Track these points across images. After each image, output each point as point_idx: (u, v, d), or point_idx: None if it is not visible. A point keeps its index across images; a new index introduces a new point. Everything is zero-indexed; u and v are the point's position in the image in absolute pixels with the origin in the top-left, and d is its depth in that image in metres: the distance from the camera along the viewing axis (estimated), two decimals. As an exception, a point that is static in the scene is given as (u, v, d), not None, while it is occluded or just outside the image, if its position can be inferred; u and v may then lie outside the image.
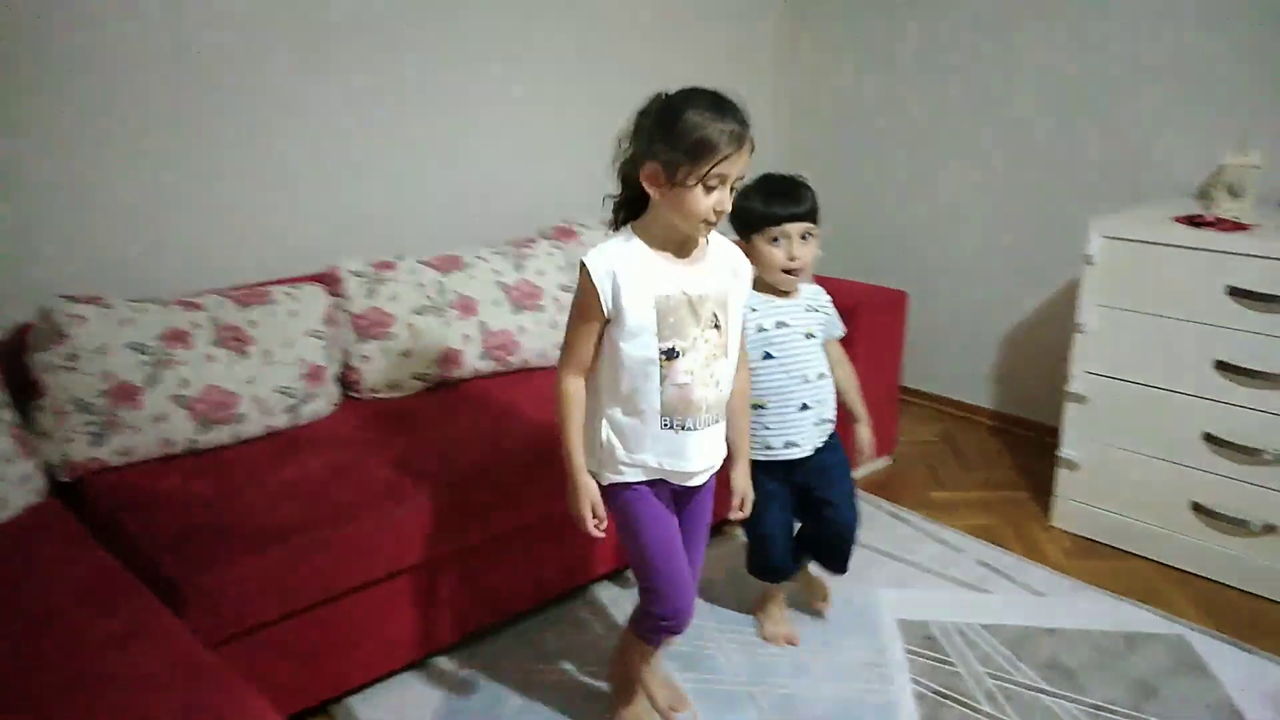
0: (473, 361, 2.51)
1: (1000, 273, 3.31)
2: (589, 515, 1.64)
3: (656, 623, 1.76)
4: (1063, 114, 3.03)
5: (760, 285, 1.92)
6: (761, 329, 1.95)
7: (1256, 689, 2.03)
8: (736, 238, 1.90)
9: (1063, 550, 2.61)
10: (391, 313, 2.43)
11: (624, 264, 1.54)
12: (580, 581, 2.36)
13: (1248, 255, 2.24)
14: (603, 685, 2.06)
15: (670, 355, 1.57)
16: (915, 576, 2.46)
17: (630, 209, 1.60)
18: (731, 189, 1.52)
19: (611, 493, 1.69)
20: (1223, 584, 2.43)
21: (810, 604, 2.31)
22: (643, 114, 1.53)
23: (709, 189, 1.49)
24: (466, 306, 2.51)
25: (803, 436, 1.99)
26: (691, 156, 1.46)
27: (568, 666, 2.13)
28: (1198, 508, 2.43)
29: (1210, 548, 2.43)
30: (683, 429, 1.62)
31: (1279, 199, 2.58)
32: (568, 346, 1.64)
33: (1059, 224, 3.09)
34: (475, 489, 2.07)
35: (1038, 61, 3.05)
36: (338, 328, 2.40)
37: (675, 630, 1.78)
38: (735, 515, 1.85)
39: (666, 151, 1.47)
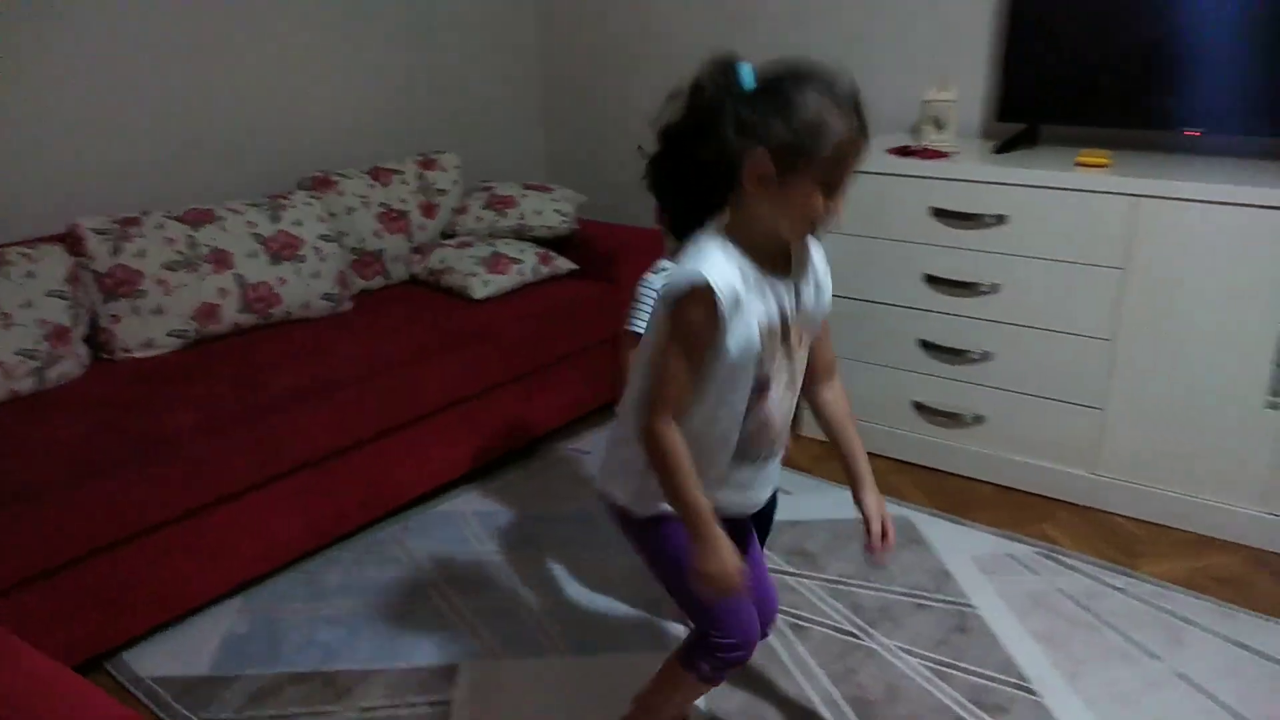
0: (232, 315, 2.48)
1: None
2: (736, 566, 1.33)
3: (724, 655, 1.48)
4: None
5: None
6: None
7: (964, 553, 2.35)
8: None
9: (811, 456, 2.87)
10: (139, 269, 2.37)
11: (741, 283, 1.25)
12: (359, 522, 2.41)
13: (945, 179, 2.55)
14: (385, 615, 2.13)
15: (762, 387, 1.33)
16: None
17: (698, 210, 1.30)
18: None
19: (651, 524, 1.44)
20: (940, 470, 2.77)
21: None
22: (732, 92, 1.22)
23: (829, 189, 1.23)
24: (221, 260, 2.47)
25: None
26: (815, 147, 1.19)
27: (348, 601, 2.19)
28: (918, 406, 2.76)
29: (930, 440, 2.76)
30: (756, 460, 1.41)
31: (980, 129, 2.92)
32: (662, 383, 1.29)
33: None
34: (238, 437, 2.08)
35: (749, 8, 3.28)
36: (82, 287, 2.31)
37: (744, 659, 1.50)
38: (878, 548, 1.48)
39: (781, 138, 1.19)
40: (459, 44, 3.50)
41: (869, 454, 1.55)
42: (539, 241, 3.04)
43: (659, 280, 1.69)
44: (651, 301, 1.65)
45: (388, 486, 2.43)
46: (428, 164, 3.08)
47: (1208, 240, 2.24)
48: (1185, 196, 2.25)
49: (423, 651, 2.03)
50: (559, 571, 2.29)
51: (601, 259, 3.01)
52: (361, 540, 2.43)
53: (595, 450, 2.89)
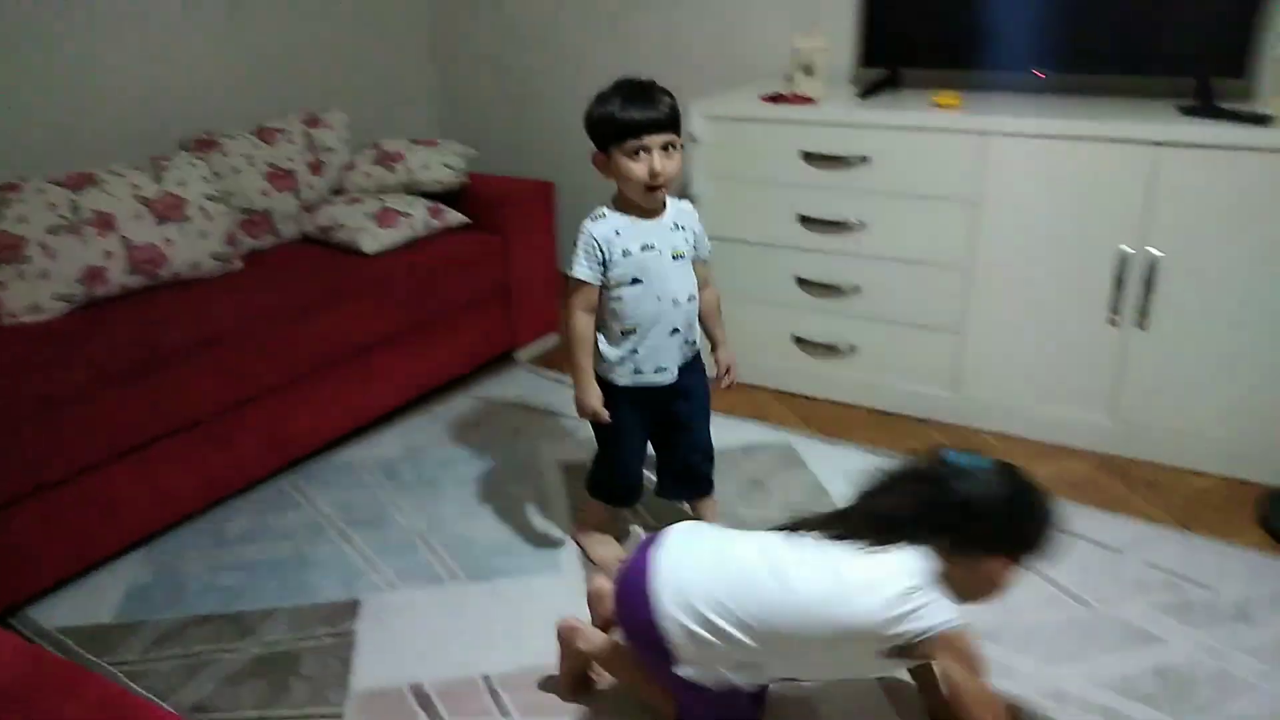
0: (119, 278, 2.50)
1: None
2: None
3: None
4: (661, 9, 3.38)
5: (624, 204, 1.91)
6: (627, 253, 1.89)
7: (839, 471, 2.52)
8: (595, 150, 1.90)
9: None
10: (21, 235, 2.36)
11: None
12: (258, 474, 2.47)
13: (813, 124, 2.69)
14: (286, 558, 2.21)
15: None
16: (575, 426, 2.78)
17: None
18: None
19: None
20: (821, 399, 2.95)
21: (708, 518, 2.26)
22: None
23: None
24: (105, 223, 2.48)
25: (671, 360, 1.98)
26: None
27: (250, 547, 2.26)
28: (798, 340, 2.92)
29: (810, 371, 2.93)
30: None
31: (849, 75, 3.07)
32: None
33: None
34: (130, 394, 2.12)
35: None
36: (-40, 254, 2.31)
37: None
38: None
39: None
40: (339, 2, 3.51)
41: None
42: (429, 196, 3.10)
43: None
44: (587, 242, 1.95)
45: (286, 439, 2.50)
46: (313, 122, 3.11)
47: (1050, 172, 2.43)
48: (1028, 133, 2.43)
49: (325, 589, 2.11)
50: (457, 509, 2.40)
51: (491, 211, 3.09)
52: (262, 491, 2.49)
53: (493, 398, 2.98)
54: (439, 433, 2.77)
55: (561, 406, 2.91)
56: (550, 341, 3.41)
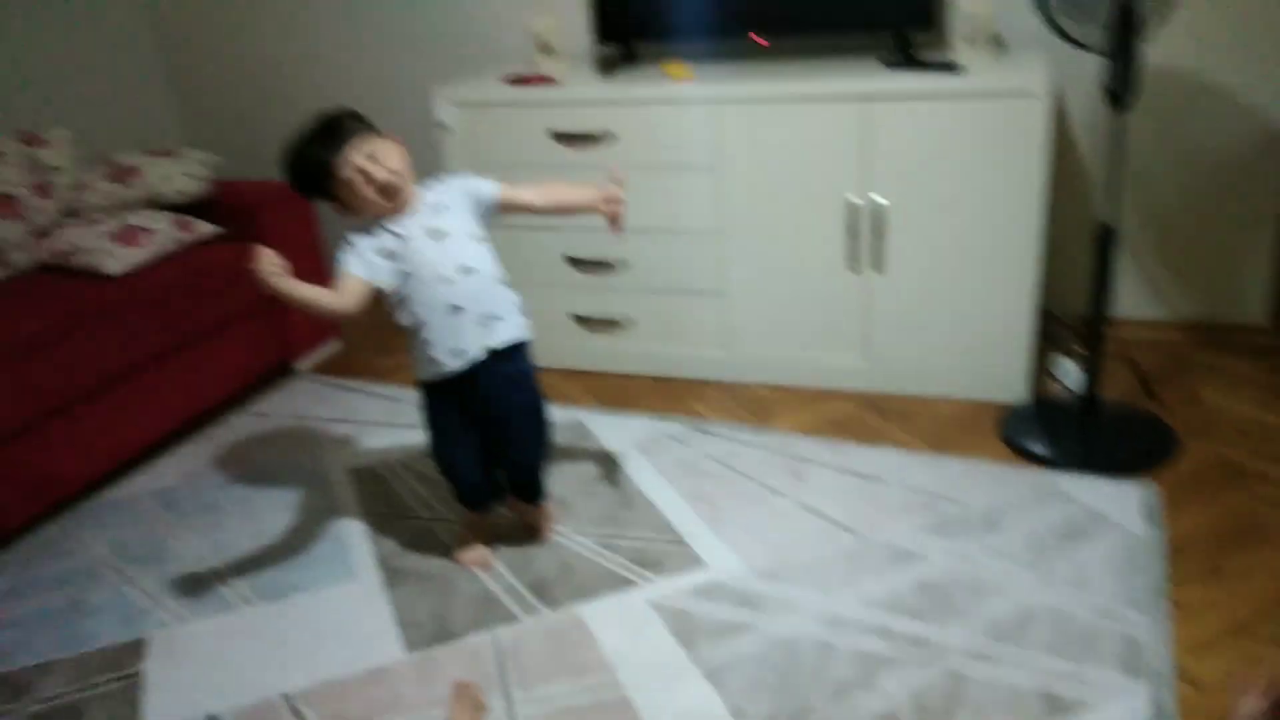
0: None
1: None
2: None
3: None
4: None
5: (373, 223, 1.88)
6: (390, 256, 1.87)
7: (627, 440, 2.62)
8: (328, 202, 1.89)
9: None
10: None
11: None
12: (21, 520, 2.31)
13: (557, 104, 2.74)
14: (61, 608, 2.08)
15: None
16: (362, 431, 2.74)
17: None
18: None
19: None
20: (605, 373, 3.03)
21: (534, 529, 2.25)
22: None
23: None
24: None
25: (466, 342, 1.90)
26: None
27: (18, 603, 2.11)
28: (577, 318, 2.99)
29: (591, 347, 3.01)
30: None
31: (589, 52, 3.13)
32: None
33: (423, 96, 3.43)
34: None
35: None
36: None
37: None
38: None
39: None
40: (48, 12, 3.25)
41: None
42: (174, 208, 2.94)
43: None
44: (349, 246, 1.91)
45: (46, 481, 2.34)
46: (33, 140, 2.88)
47: (777, 133, 2.59)
48: (752, 97, 2.58)
49: (106, 633, 2.01)
50: (243, 531, 2.32)
51: (247, 217, 2.97)
52: (27, 541, 2.33)
53: (273, 412, 2.89)
54: (218, 455, 2.67)
55: (348, 413, 2.86)
56: (331, 348, 3.33)
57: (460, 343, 1.91)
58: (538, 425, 2.09)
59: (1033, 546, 2.13)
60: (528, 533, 2.23)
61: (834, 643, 1.88)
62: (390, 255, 1.87)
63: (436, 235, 1.89)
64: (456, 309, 1.89)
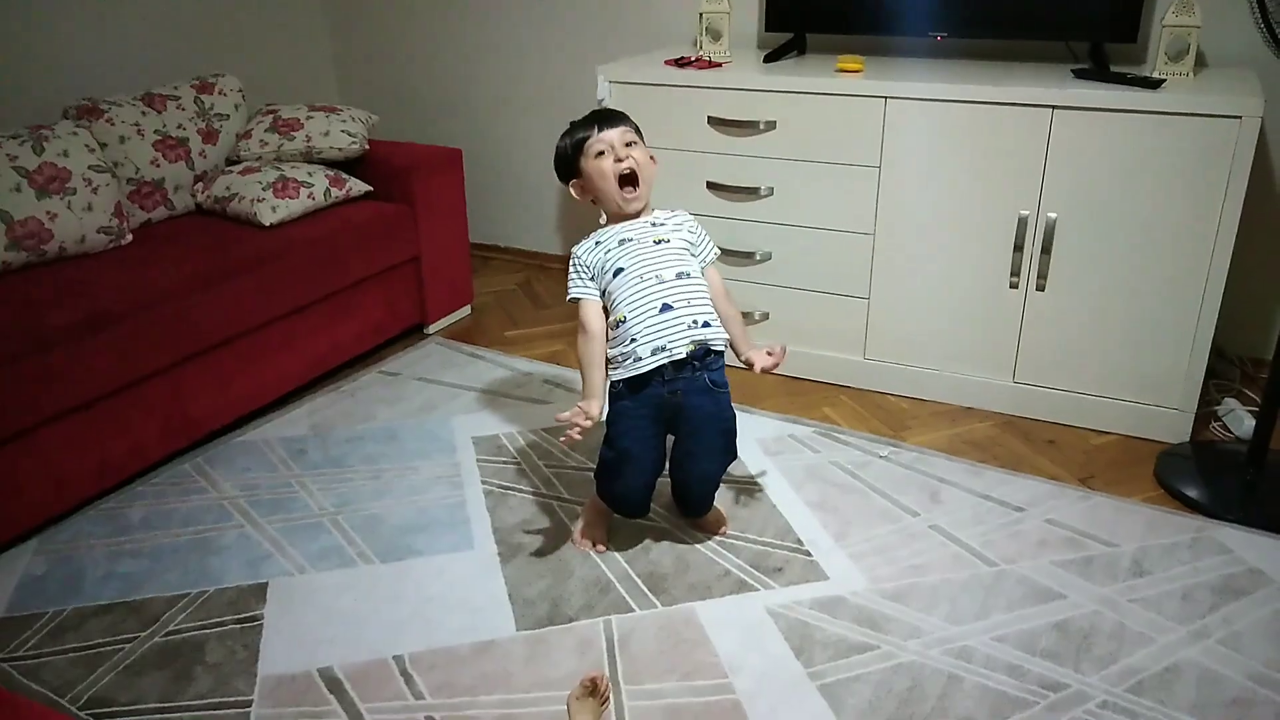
0: (-1, 253, 2.37)
1: (544, 127, 3.59)
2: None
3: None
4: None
5: (609, 220, 2.01)
6: (608, 250, 1.95)
7: (751, 438, 2.54)
8: (573, 181, 2.02)
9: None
10: (-113, 210, 2.22)
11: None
12: (158, 456, 2.38)
13: (719, 89, 2.67)
14: (190, 543, 2.14)
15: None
16: (488, 401, 2.74)
17: None
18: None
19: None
20: (732, 367, 2.95)
21: (705, 530, 2.19)
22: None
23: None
24: (-20, 196, 2.34)
25: (671, 340, 1.88)
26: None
27: (151, 534, 2.18)
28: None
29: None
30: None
31: (756, 39, 3.05)
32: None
33: (585, 74, 3.42)
34: (16, 375, 2.02)
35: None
36: None
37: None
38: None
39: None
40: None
41: None
42: (329, 164, 3.00)
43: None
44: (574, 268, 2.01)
45: (186, 419, 2.41)
46: (205, 88, 2.97)
47: (949, 136, 2.47)
48: (927, 96, 2.46)
49: (230, 573, 2.05)
50: (366, 488, 2.35)
51: (397, 179, 3.01)
52: (163, 475, 2.40)
53: (403, 371, 2.92)
54: (347, 409, 2.71)
55: (475, 381, 2.87)
56: (463, 315, 3.35)
57: (664, 340, 1.89)
58: (726, 439, 2.04)
59: (1184, 598, 1.97)
60: (699, 532, 2.18)
61: (960, 675, 1.78)
62: (606, 251, 1.95)
63: (659, 240, 1.96)
64: (668, 308, 1.89)
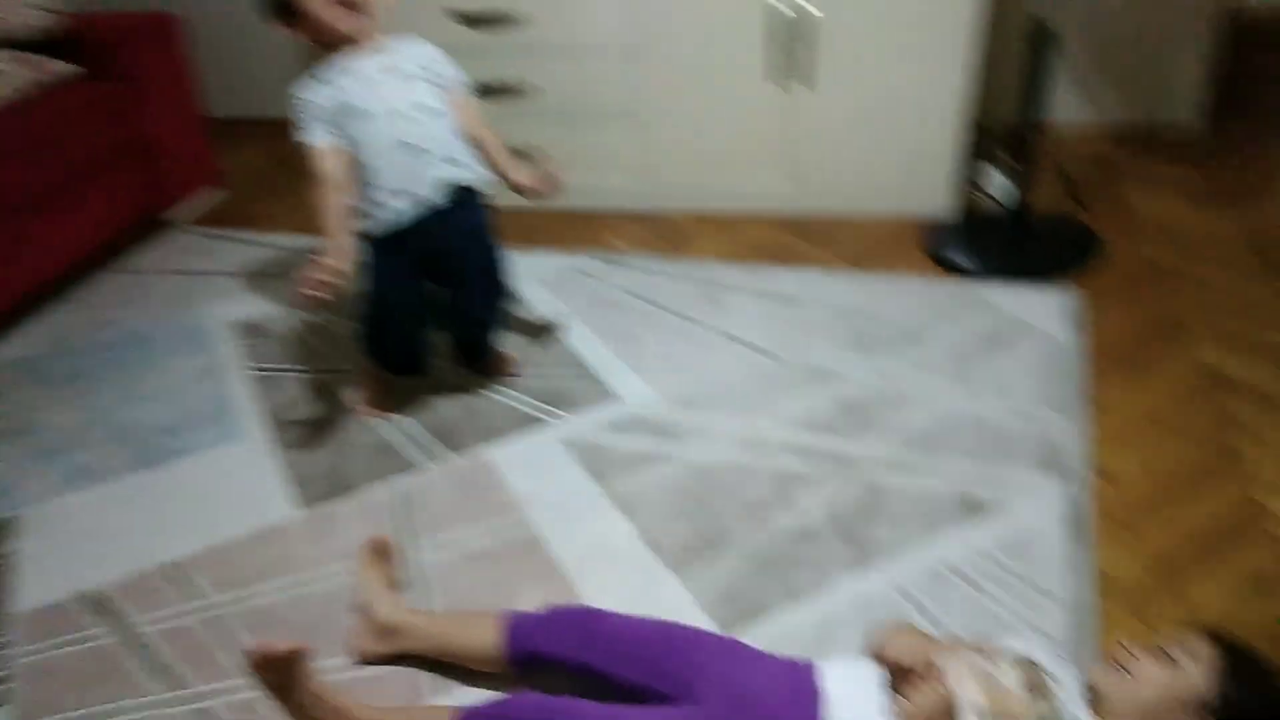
0: None
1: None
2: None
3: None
4: None
5: (330, 56, 1.76)
6: (337, 88, 1.73)
7: (533, 278, 2.45)
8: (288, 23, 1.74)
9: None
10: None
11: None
12: None
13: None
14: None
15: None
16: (247, 284, 2.54)
17: None
18: None
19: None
20: (506, 208, 2.83)
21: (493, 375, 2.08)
22: None
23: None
24: None
25: (411, 183, 1.74)
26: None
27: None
28: (476, 150, 2.77)
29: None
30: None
31: None
32: None
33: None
34: None
35: None
36: None
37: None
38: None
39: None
40: None
41: None
42: (22, 46, 2.61)
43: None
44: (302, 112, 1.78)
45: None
46: None
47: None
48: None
49: (-30, 514, 1.85)
50: (119, 396, 2.14)
51: (107, 56, 2.66)
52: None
53: (146, 268, 2.66)
54: (87, 316, 2.45)
55: (230, 265, 2.65)
56: (209, 197, 3.07)
57: (413, 185, 1.75)
58: (497, 281, 1.95)
59: (954, 357, 2.06)
60: (486, 378, 2.08)
61: (751, 465, 1.81)
62: (333, 91, 1.73)
63: (396, 73, 1.76)
64: (411, 148, 1.74)
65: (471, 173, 1.83)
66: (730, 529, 1.67)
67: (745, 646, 1.32)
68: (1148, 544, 1.57)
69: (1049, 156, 2.67)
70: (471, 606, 1.54)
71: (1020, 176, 2.43)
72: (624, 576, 1.60)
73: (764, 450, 1.84)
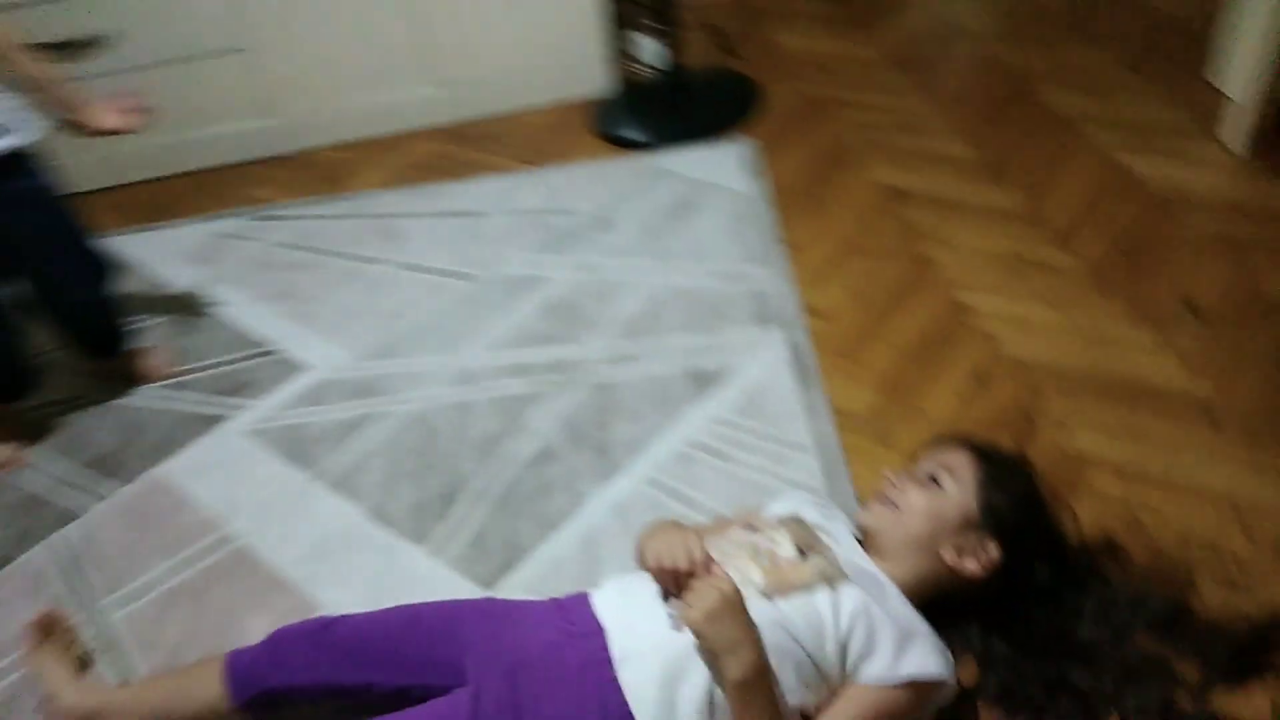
0: None
1: None
2: None
3: None
4: None
5: None
6: None
7: (174, 255, 2.11)
8: None
9: None
10: None
11: None
12: None
13: None
14: None
15: None
16: None
17: None
18: None
19: None
20: (131, 184, 2.41)
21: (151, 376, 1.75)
22: None
23: None
24: None
25: None
26: None
27: None
28: (72, 123, 2.31)
29: (106, 155, 2.33)
30: None
31: None
32: None
33: None
34: None
35: None
36: None
37: None
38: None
39: None
40: None
41: None
42: None
43: None
44: None
45: None
46: None
47: None
48: None
49: None
50: None
51: None
52: None
53: None
54: None
55: None
56: None
57: None
58: (80, 252, 1.62)
59: (649, 234, 1.98)
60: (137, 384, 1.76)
61: (470, 400, 1.65)
62: None
63: None
64: None
65: (14, 136, 1.46)
66: (464, 476, 1.51)
67: (508, 604, 1.18)
68: (872, 369, 1.58)
69: (692, 12, 2.62)
70: (188, 658, 1.29)
71: (669, 38, 2.36)
72: (360, 565, 1.40)
73: (480, 381, 1.68)
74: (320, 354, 1.79)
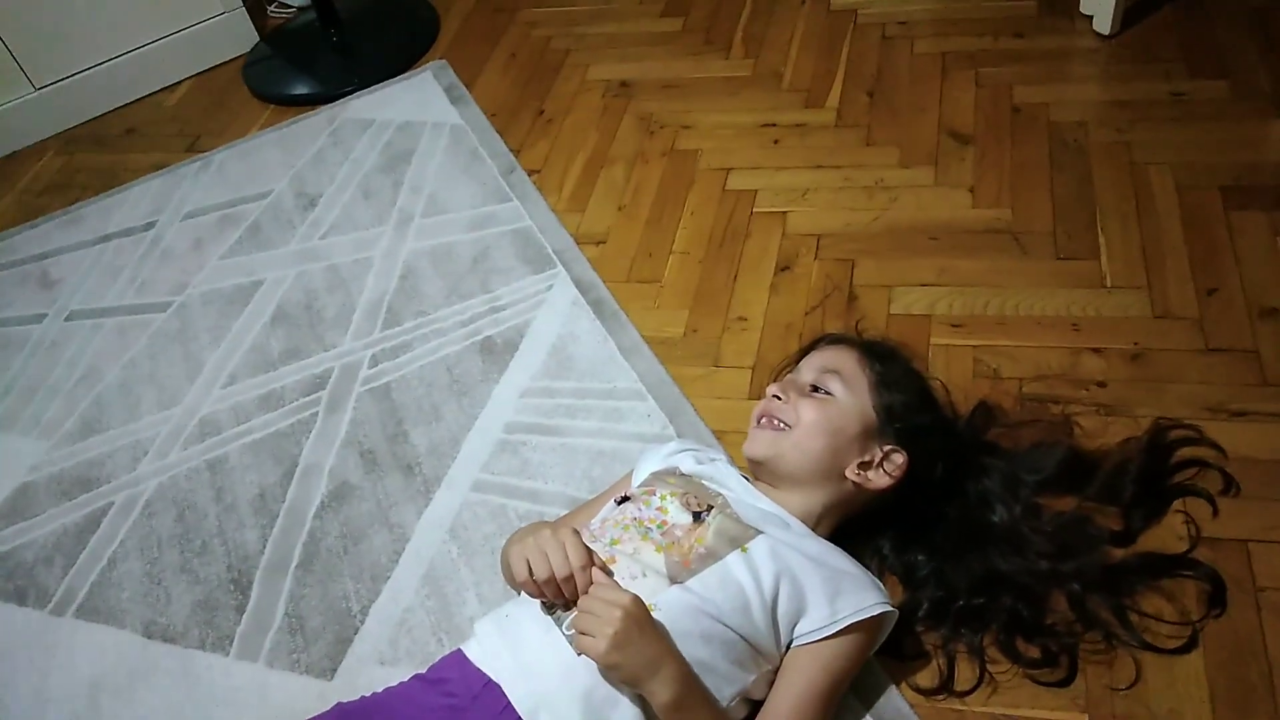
0: None
1: None
2: None
3: None
4: None
5: None
6: None
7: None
8: None
9: None
10: None
11: None
12: None
13: None
14: None
15: None
16: None
17: None
18: None
19: None
20: None
21: None
22: None
23: None
24: None
25: None
26: None
27: None
28: None
29: None
30: None
31: None
32: None
33: None
34: None
35: None
36: None
37: None
38: None
39: None
40: None
41: None
42: None
43: None
44: None
45: None
46: None
47: None
48: None
49: None
50: None
51: None
52: None
53: None
54: None
55: None
56: None
57: None
58: None
59: (366, 197, 1.70)
60: None
61: (220, 455, 1.34)
62: None
63: None
64: None
65: None
66: (247, 549, 1.22)
67: (365, 703, 0.94)
68: (672, 287, 1.41)
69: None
70: None
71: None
72: (153, 702, 1.10)
73: (223, 428, 1.37)
74: (6, 454, 1.39)
